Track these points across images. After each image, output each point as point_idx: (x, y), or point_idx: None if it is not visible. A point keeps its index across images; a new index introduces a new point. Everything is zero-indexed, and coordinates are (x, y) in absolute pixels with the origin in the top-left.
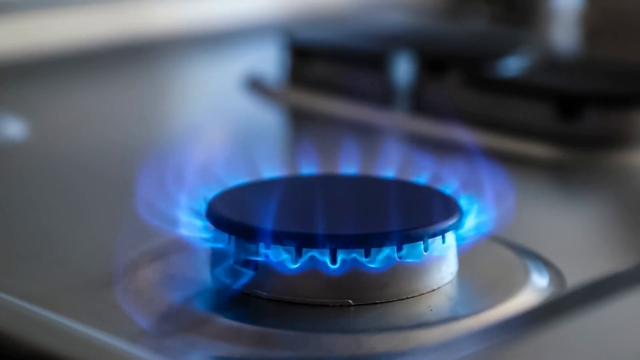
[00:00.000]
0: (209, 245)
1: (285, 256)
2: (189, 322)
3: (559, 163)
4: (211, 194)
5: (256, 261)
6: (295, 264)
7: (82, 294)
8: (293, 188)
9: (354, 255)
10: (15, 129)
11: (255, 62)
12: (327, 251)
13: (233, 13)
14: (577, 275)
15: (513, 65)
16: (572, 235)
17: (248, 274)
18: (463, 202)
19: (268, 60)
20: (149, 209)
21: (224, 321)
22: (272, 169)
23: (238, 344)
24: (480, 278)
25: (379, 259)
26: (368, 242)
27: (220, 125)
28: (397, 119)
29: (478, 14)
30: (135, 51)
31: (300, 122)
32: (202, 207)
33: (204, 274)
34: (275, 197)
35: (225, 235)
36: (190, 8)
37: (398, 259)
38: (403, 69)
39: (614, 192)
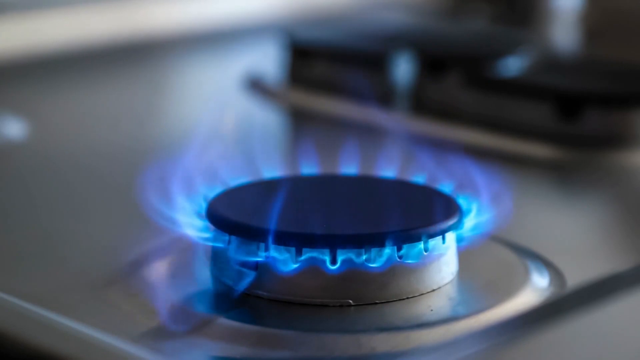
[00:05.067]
0: (209, 245)
1: (285, 256)
2: (189, 323)
3: (559, 163)
4: (211, 194)
5: (256, 261)
6: (295, 264)
7: (82, 294)
8: (293, 188)
9: (354, 255)
10: (15, 129)
11: (255, 62)
12: (327, 251)
13: (233, 13)
14: (577, 276)
15: (513, 65)
16: (572, 235)
17: (248, 274)
18: (463, 202)
19: (268, 60)
20: (150, 209)
21: (225, 321)
22: (272, 169)
23: (238, 344)
24: (480, 278)
25: (379, 259)
26: (368, 242)
27: (220, 125)
28: (397, 119)
29: (478, 14)
30: (135, 51)
31: (300, 122)
32: (203, 207)
33: (204, 274)
34: (276, 197)
35: (226, 235)
36: (190, 8)
37: (398, 259)
38: (403, 69)
39: (614, 192)
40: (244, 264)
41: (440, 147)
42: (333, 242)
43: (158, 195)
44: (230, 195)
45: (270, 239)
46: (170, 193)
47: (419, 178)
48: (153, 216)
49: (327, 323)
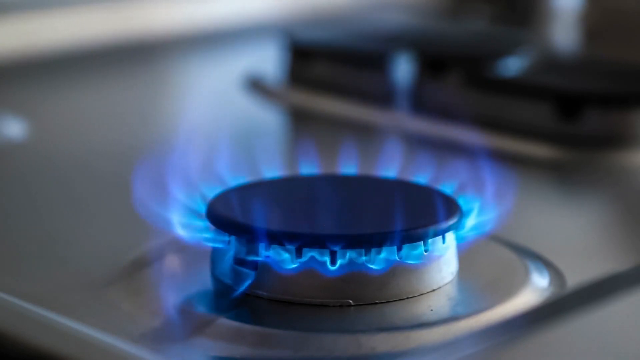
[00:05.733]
0: (209, 245)
1: (285, 256)
2: (189, 323)
3: (559, 163)
4: (211, 193)
5: (256, 261)
6: (295, 264)
7: (82, 294)
8: (293, 188)
9: (354, 255)
10: (15, 129)
11: (255, 62)
12: (327, 251)
13: (233, 13)
14: (577, 275)
15: (513, 65)
16: (572, 235)
17: (248, 274)
18: (463, 202)
19: (268, 60)
20: (149, 209)
21: (225, 321)
22: (272, 169)
23: (238, 344)
24: (481, 278)
25: (379, 259)
26: (368, 242)
27: (221, 125)
28: (397, 119)
29: (478, 14)
30: (135, 51)
31: (300, 122)
32: (202, 207)
33: (204, 274)
34: (275, 197)
35: (226, 235)
36: (190, 8)
37: (398, 259)
38: (403, 69)
39: (614, 192)
40: (244, 264)
41: (440, 147)
42: (333, 243)
43: (158, 195)
44: (230, 195)
45: (270, 239)
46: (170, 193)
47: (419, 178)
48: (151, 217)
49: (327, 323)
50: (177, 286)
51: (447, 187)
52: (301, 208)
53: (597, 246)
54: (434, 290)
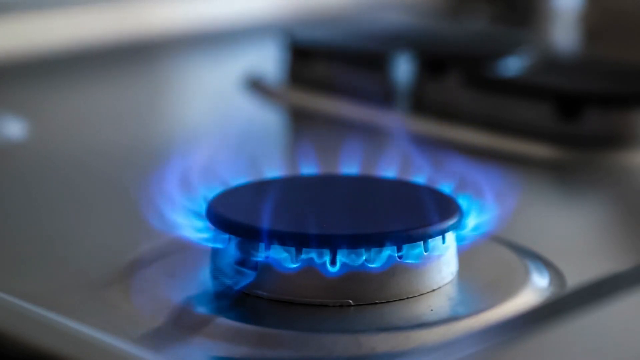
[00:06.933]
0: (209, 245)
1: (285, 256)
2: (189, 323)
3: (559, 163)
4: (211, 194)
5: (256, 261)
6: (295, 264)
7: (82, 294)
8: (293, 188)
9: (354, 255)
10: (15, 129)
11: (255, 62)
12: (327, 251)
13: (233, 13)
14: (577, 276)
15: (513, 65)
16: (572, 235)
17: (248, 274)
18: (462, 202)
19: (268, 60)
20: (150, 209)
21: (224, 321)
22: (272, 169)
23: (238, 344)
24: (481, 278)
25: (379, 259)
26: (368, 242)
27: (221, 126)
28: (397, 119)
29: (478, 14)
30: (135, 51)
31: (300, 122)
32: (202, 207)
33: (204, 274)
34: (275, 197)
35: (226, 235)
36: (190, 8)
37: (398, 259)
38: (403, 69)
39: (614, 192)
40: (244, 264)
41: (440, 147)
42: (333, 243)
43: (158, 196)
44: (230, 195)
45: (270, 239)
46: (171, 193)
47: (419, 178)
48: (153, 218)
49: (327, 323)
50: (177, 286)
51: (447, 187)
52: (301, 208)
53: (597, 246)
54: (434, 290)
